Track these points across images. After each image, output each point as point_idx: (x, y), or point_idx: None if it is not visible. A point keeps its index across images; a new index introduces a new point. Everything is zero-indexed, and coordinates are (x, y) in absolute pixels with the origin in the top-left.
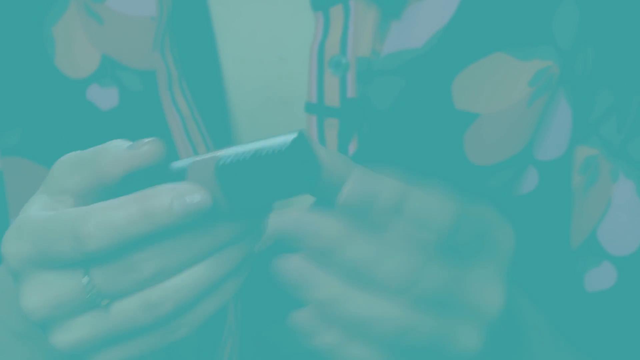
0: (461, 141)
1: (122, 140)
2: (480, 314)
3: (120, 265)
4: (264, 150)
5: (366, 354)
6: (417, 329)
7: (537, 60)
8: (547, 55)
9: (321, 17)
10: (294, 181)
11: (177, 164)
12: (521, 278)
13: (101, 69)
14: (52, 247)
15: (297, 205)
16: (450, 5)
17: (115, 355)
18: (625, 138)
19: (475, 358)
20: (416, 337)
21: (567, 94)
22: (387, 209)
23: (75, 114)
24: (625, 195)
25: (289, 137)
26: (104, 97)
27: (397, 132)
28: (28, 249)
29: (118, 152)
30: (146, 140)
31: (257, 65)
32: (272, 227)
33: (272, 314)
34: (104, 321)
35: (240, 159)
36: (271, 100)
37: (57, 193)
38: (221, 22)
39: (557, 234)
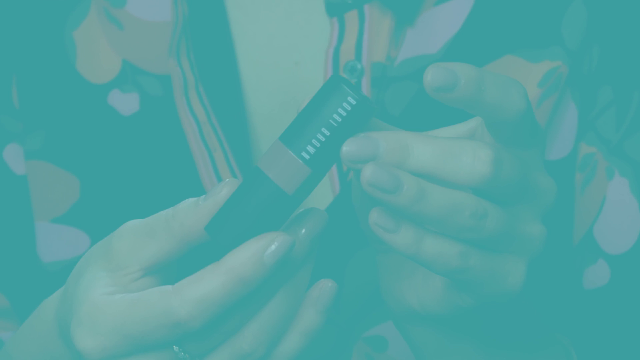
0: None
1: (192, 199)
2: (529, 244)
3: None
4: (334, 122)
5: (442, 248)
6: (490, 216)
7: (546, 61)
8: (556, 56)
9: (336, 22)
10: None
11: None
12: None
13: (122, 74)
14: (147, 337)
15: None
16: (462, 11)
17: None
18: (622, 136)
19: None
20: (488, 229)
21: (573, 94)
22: None
23: (96, 119)
24: (619, 194)
25: (341, 95)
26: (125, 103)
27: None
28: (114, 342)
29: (198, 207)
30: (222, 184)
31: (273, 69)
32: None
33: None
34: None
35: (322, 141)
36: (287, 105)
37: (122, 268)
38: (239, 27)
39: (562, 232)
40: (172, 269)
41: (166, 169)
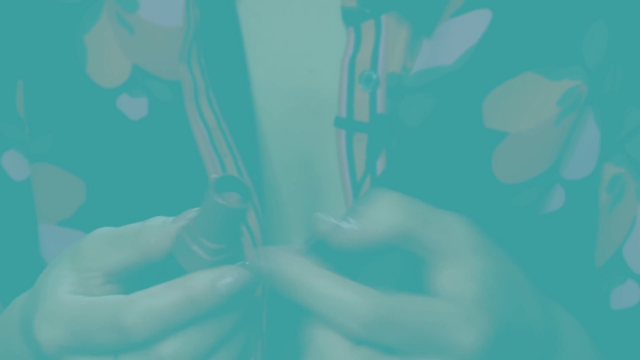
0: (489, 160)
1: (162, 217)
2: None
3: (146, 350)
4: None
5: None
6: None
7: (566, 80)
8: (576, 75)
9: (352, 32)
10: None
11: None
12: (546, 295)
13: (132, 78)
14: (94, 337)
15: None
16: (481, 23)
17: None
18: None
19: None
20: None
21: (595, 114)
22: None
23: (104, 123)
24: None
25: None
26: (134, 107)
27: (425, 150)
28: (66, 337)
29: (165, 227)
30: (190, 210)
31: (286, 77)
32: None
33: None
34: None
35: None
36: (300, 112)
37: (87, 270)
38: (251, 32)
39: (581, 253)
40: (135, 282)
41: (173, 174)
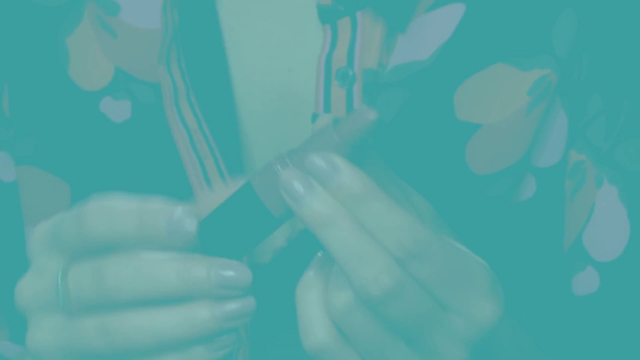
0: (463, 151)
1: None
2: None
3: (91, 269)
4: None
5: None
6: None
7: (536, 69)
8: (546, 65)
9: (329, 29)
10: None
11: None
12: (518, 282)
13: (114, 81)
14: (59, 235)
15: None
16: (454, 18)
17: None
18: (611, 144)
19: None
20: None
21: (563, 102)
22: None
23: (88, 125)
24: (608, 201)
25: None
26: (117, 110)
27: (400, 143)
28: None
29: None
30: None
31: (266, 76)
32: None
33: (281, 324)
34: (66, 332)
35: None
36: (280, 112)
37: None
38: (231, 33)
39: (553, 239)
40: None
41: (156, 176)
